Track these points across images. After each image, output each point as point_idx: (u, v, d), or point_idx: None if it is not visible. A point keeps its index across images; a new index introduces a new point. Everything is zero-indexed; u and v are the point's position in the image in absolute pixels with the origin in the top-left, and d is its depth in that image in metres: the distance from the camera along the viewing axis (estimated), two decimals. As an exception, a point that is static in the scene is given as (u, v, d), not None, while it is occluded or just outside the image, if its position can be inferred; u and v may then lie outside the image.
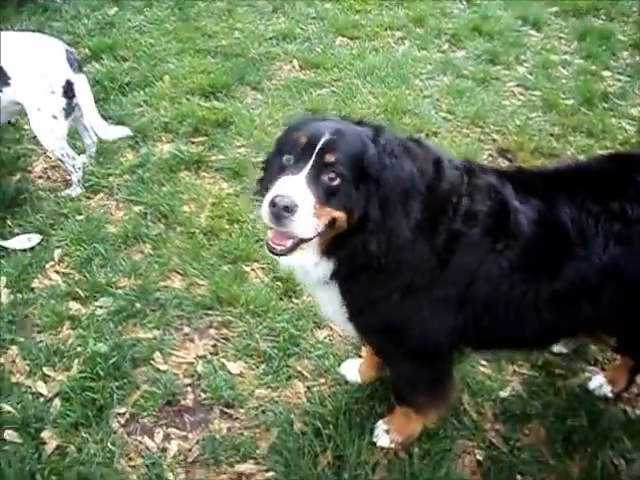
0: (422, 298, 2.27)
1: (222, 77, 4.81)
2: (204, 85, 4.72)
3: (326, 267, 2.18)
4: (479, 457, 2.78)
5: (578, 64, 5.29)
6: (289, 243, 2.05)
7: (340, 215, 2.04)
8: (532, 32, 5.70)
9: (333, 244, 2.13)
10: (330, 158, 2.00)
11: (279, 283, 3.36)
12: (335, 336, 3.15)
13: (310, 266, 2.20)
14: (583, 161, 2.60)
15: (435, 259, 2.20)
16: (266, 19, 5.62)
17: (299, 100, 4.64)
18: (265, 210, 1.97)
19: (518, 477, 2.72)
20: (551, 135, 4.50)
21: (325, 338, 3.13)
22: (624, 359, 2.95)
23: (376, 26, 5.57)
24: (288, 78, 4.90)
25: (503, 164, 4.24)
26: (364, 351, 2.97)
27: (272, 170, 2.16)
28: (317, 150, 2.00)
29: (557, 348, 3.14)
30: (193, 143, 4.28)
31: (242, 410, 2.88)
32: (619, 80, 5.15)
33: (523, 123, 4.58)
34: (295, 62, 5.10)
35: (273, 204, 1.93)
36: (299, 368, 3.03)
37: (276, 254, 2.10)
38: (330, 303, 2.38)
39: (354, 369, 2.96)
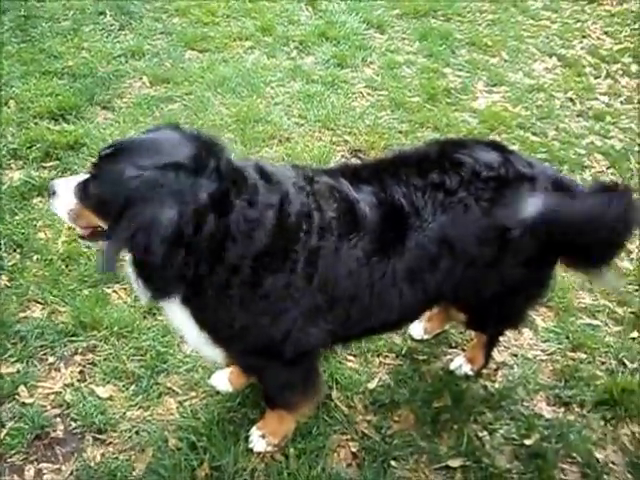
0: (293, 314, 2.32)
1: (71, 98, 4.68)
2: (52, 108, 4.57)
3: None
4: (353, 449, 2.87)
5: (421, 63, 5.51)
6: (87, 232, 2.30)
7: (99, 223, 2.20)
8: (376, 35, 5.87)
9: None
10: (93, 170, 2.19)
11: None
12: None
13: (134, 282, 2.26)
14: (406, 148, 2.76)
15: (299, 279, 2.26)
16: (113, 37, 5.51)
17: (151, 116, 4.59)
18: None
19: (392, 463, 2.83)
20: (400, 132, 4.68)
21: (192, 352, 3.11)
22: (478, 337, 3.13)
23: (225, 37, 5.58)
24: (139, 95, 4.84)
25: (356, 164, 4.38)
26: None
27: None
28: (96, 159, 2.21)
29: (419, 335, 3.29)
30: (45, 168, 4.15)
31: (115, 434, 2.84)
32: (459, 76, 5.41)
33: (373, 123, 4.73)
34: (145, 78, 5.02)
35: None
36: (169, 384, 3.02)
37: (80, 237, 2.36)
38: (187, 327, 2.40)
39: (224, 379, 2.99)
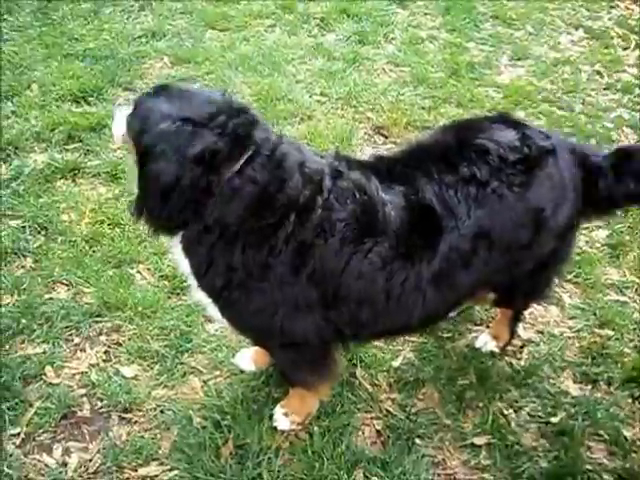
0: (273, 298, 2.31)
1: (92, 80, 4.68)
2: (74, 90, 4.58)
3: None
4: (378, 427, 2.87)
5: (444, 38, 5.43)
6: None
7: None
8: (399, 10, 5.79)
9: None
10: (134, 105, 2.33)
11: (165, 282, 3.34)
12: (226, 328, 3.15)
13: None
14: (423, 138, 2.71)
15: (281, 266, 2.25)
16: (134, 18, 5.49)
17: (172, 97, 4.58)
18: None
19: (417, 441, 2.82)
20: (423, 108, 4.63)
21: (217, 331, 3.13)
22: (503, 312, 3.11)
23: (245, 16, 5.54)
24: (160, 75, 4.83)
25: (379, 141, 4.36)
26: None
27: None
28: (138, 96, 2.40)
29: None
30: (67, 150, 4.16)
31: (140, 413, 2.86)
32: (483, 50, 5.34)
33: (395, 99, 4.69)
34: (166, 59, 5.02)
35: None
36: (193, 364, 3.04)
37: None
38: (191, 279, 2.44)
39: (248, 358, 2.99)
